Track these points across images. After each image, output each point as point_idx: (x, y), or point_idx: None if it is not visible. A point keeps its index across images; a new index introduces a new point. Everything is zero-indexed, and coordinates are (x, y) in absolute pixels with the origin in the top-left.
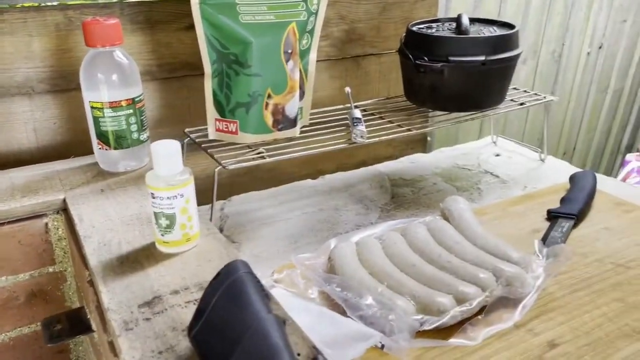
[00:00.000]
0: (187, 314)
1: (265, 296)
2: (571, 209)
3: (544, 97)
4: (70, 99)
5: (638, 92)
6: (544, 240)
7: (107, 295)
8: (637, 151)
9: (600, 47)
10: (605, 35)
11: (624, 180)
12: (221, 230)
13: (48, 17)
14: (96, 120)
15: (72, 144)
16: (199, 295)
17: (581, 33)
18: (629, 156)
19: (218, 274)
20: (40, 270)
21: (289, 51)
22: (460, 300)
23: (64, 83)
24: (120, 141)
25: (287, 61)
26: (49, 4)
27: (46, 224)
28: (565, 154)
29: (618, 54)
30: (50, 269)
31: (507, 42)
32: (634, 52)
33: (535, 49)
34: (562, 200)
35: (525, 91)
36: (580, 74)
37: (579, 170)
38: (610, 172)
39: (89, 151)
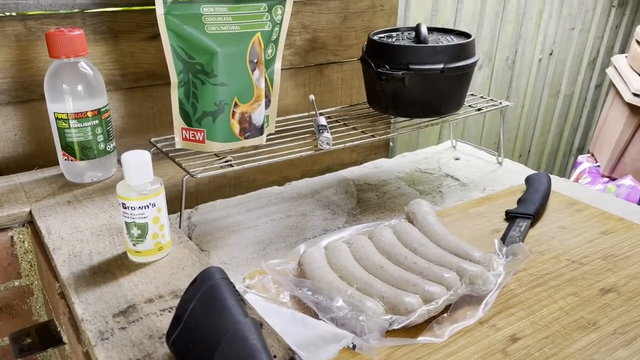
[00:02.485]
0: (163, 322)
1: (241, 301)
2: (528, 209)
3: (500, 102)
4: (32, 109)
5: (587, 97)
6: (503, 239)
7: (81, 307)
8: (588, 153)
9: (551, 54)
10: (556, 43)
11: (576, 180)
12: (189, 239)
13: (8, 27)
14: (61, 131)
15: (34, 155)
16: (173, 303)
17: (533, 40)
18: (580, 158)
19: (194, 281)
20: (5, 285)
21: (255, 61)
22: (426, 299)
23: (25, 94)
24: (86, 152)
25: (252, 70)
26: (8, 14)
27: (11, 237)
28: (521, 156)
29: (568, 60)
30: (16, 283)
31: (465, 50)
32: (582, 58)
33: (490, 56)
34: (519, 201)
35: (482, 97)
36: (533, 79)
37: (534, 172)
38: (564, 173)
39: (53, 162)
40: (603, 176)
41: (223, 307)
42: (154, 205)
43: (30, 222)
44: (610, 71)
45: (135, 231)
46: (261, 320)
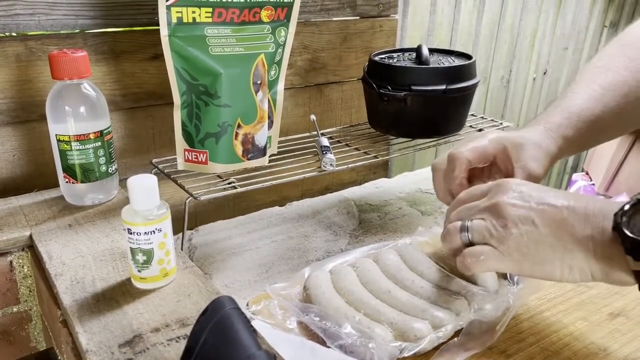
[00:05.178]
0: (171, 352)
1: (254, 332)
2: None
3: (501, 123)
4: (31, 130)
5: None
6: None
7: (85, 336)
8: (583, 171)
9: (545, 73)
10: (549, 62)
11: None
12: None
13: (8, 47)
14: (63, 153)
15: (33, 176)
16: (180, 332)
17: (527, 60)
18: (575, 176)
19: (205, 311)
20: (3, 311)
21: (258, 82)
22: (435, 325)
23: (24, 114)
24: (87, 174)
25: (256, 92)
26: (8, 34)
27: (10, 262)
28: None
29: (561, 79)
30: (15, 309)
31: (466, 71)
32: (575, 78)
33: (485, 75)
34: None
35: (482, 117)
36: (528, 98)
37: None
38: None
39: (52, 184)
40: (598, 194)
41: (235, 339)
42: (160, 230)
43: (30, 247)
44: None
45: (141, 257)
46: (274, 352)
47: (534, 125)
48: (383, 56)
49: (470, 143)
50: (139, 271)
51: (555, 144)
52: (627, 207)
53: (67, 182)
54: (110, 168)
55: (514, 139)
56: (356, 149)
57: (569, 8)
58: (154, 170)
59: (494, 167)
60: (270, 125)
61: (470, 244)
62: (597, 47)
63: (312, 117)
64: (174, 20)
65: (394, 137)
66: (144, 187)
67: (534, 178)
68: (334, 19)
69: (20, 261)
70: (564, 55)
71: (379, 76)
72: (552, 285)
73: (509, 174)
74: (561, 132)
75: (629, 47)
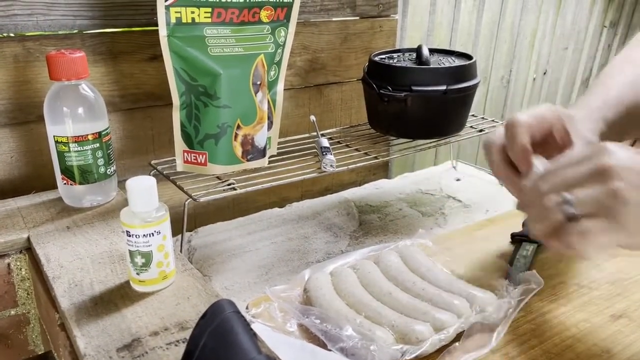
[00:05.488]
0: (170, 356)
1: (254, 335)
2: None
3: (501, 123)
4: (29, 132)
5: None
6: (510, 263)
7: (83, 340)
8: None
9: (544, 73)
10: (549, 62)
11: None
12: (190, 264)
13: (6, 48)
14: (61, 155)
15: (31, 178)
16: (180, 336)
17: (527, 60)
18: None
19: (205, 314)
20: (1, 314)
21: (258, 82)
22: (437, 327)
23: (22, 115)
24: (86, 176)
25: (256, 92)
26: (6, 35)
27: (8, 264)
28: None
29: (561, 80)
30: (12, 312)
31: (467, 72)
32: (575, 78)
33: (485, 75)
34: (524, 224)
35: (482, 118)
36: (528, 98)
37: None
38: None
39: (49, 185)
40: None
41: (235, 343)
42: (159, 232)
43: (28, 249)
44: None
45: (139, 260)
46: (274, 356)
47: (571, 108)
48: (383, 56)
49: (528, 111)
50: (137, 274)
51: (597, 126)
52: None
53: (65, 183)
54: (108, 169)
55: (567, 112)
56: (356, 149)
57: (569, 8)
58: (152, 171)
59: (546, 145)
60: (269, 126)
61: (573, 218)
62: (597, 46)
63: (312, 117)
64: (173, 21)
65: (394, 138)
66: (142, 188)
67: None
68: (334, 19)
69: (18, 264)
70: (563, 55)
71: (379, 77)
72: (554, 287)
73: (563, 144)
74: (602, 114)
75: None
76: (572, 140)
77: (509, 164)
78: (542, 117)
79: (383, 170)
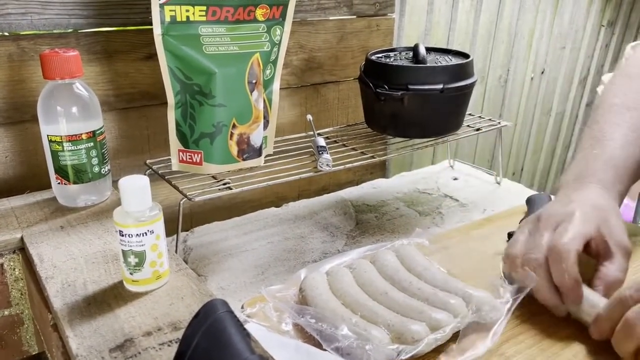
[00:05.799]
0: (162, 357)
1: (247, 335)
2: None
3: (498, 122)
4: (23, 131)
5: (578, 115)
6: None
7: (75, 341)
8: None
9: (542, 73)
10: (547, 62)
11: None
12: (185, 263)
13: (0, 47)
14: (55, 154)
15: (25, 178)
16: (173, 336)
17: (524, 60)
18: None
19: (197, 314)
20: None
21: (253, 81)
22: (433, 327)
23: (16, 115)
24: (80, 175)
25: (251, 91)
26: (0, 34)
27: (2, 264)
28: (514, 174)
29: (559, 79)
30: (6, 312)
31: (464, 70)
32: (573, 77)
33: (483, 75)
34: (521, 222)
35: (480, 117)
36: (525, 98)
37: (534, 192)
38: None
39: (44, 185)
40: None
41: (228, 343)
42: (152, 232)
43: (21, 249)
44: (601, 89)
45: (133, 259)
46: (268, 356)
47: (587, 185)
48: (380, 55)
49: (569, 227)
50: (131, 274)
51: (621, 197)
52: None
53: (59, 183)
54: (103, 169)
55: (600, 214)
56: (353, 149)
57: (566, 7)
58: (148, 171)
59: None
60: (265, 125)
61: None
62: (595, 46)
63: (309, 117)
64: (168, 19)
65: (391, 137)
66: (135, 188)
67: (628, 251)
68: (330, 18)
69: (12, 264)
70: (561, 55)
71: (376, 75)
72: None
73: (600, 253)
74: (617, 189)
75: (636, 80)
76: (611, 250)
77: (554, 289)
78: (588, 238)
79: (380, 170)
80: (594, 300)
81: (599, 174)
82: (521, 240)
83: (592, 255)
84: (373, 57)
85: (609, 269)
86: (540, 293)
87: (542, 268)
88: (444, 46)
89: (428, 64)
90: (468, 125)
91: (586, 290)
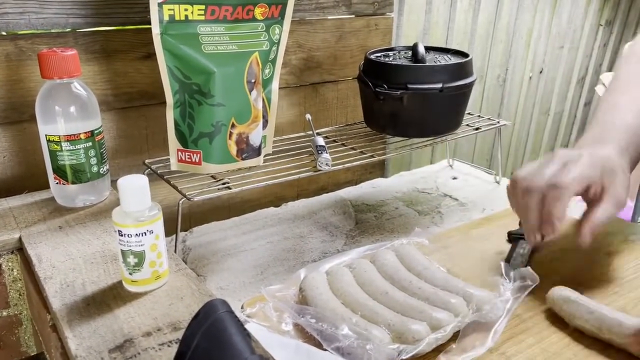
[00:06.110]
0: (162, 357)
1: (247, 336)
2: None
3: (498, 121)
4: (22, 131)
5: (577, 114)
6: (507, 261)
7: (74, 341)
8: None
9: (540, 72)
10: (545, 61)
11: None
12: (185, 263)
13: None
14: (53, 154)
15: (24, 178)
16: (172, 336)
17: (523, 59)
18: None
19: (197, 314)
20: None
21: (252, 81)
22: (433, 326)
23: (14, 115)
24: (78, 175)
25: (250, 91)
26: None
27: (0, 265)
28: (512, 173)
29: (557, 78)
30: (4, 313)
31: (463, 69)
32: (571, 76)
33: (481, 74)
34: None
35: (479, 116)
36: (524, 97)
37: None
38: None
39: (43, 185)
40: None
41: (228, 344)
42: (151, 232)
43: (19, 249)
44: (599, 89)
45: (132, 259)
46: (268, 356)
47: (602, 145)
48: (379, 54)
49: (574, 168)
50: (130, 274)
51: (626, 164)
52: None
53: (57, 183)
54: (101, 169)
55: (607, 163)
56: (352, 148)
57: (565, 7)
58: (147, 170)
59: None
60: (264, 125)
61: None
62: (593, 45)
63: (308, 116)
64: (166, 18)
65: (390, 137)
66: (134, 187)
67: (620, 204)
68: (329, 17)
69: (10, 264)
70: (559, 54)
71: (375, 75)
72: (552, 285)
73: (595, 199)
74: (630, 154)
75: None
76: (605, 199)
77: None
78: (588, 181)
79: (379, 169)
80: (590, 307)
81: (613, 138)
82: (530, 167)
83: (588, 200)
84: (372, 57)
85: (595, 212)
86: (524, 217)
87: (536, 197)
88: (442, 46)
89: (427, 63)
90: (467, 125)
91: (583, 298)
